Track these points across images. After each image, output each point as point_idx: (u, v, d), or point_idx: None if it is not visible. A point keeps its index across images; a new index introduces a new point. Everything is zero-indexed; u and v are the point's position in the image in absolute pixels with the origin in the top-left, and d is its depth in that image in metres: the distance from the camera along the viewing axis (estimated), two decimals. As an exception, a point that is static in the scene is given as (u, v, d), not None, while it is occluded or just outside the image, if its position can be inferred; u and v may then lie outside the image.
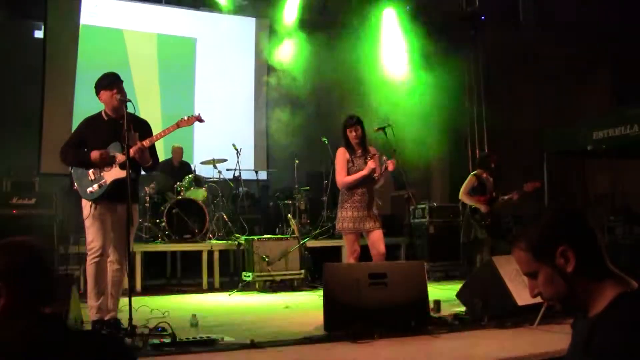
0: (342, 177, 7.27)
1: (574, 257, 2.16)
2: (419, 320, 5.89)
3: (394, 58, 15.02)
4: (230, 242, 10.78)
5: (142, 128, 6.18)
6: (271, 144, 14.40)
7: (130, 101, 5.89)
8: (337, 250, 11.27)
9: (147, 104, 12.24)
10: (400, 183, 12.89)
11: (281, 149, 14.23)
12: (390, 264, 6.95)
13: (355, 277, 5.95)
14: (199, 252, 10.45)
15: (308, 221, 11.82)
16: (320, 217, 12.00)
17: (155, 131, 6.29)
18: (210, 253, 10.42)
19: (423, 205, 12.16)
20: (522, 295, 6.20)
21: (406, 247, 12.07)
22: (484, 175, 10.03)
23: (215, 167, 11.76)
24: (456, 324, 6.14)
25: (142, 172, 6.62)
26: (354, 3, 14.55)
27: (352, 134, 7.28)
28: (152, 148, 6.17)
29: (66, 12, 12.92)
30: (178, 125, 6.22)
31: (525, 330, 5.90)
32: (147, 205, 10.65)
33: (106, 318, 5.94)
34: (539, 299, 5.74)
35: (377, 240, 7.09)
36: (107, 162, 5.95)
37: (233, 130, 13.53)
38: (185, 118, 6.28)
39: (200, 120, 6.35)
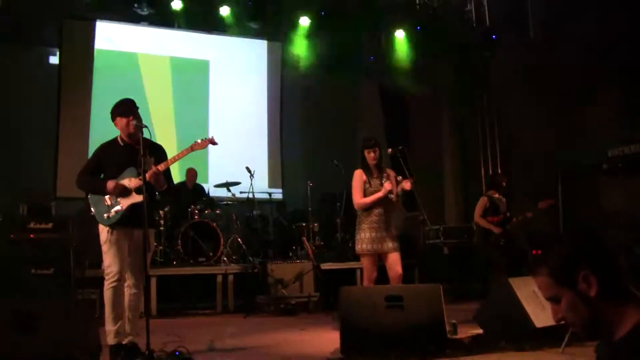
0: (358, 199, 7.31)
1: (596, 281, 2.16)
2: (436, 343, 5.86)
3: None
4: (244, 265, 10.78)
5: (157, 152, 6.22)
6: (285, 166, 14.44)
7: (146, 127, 5.93)
8: (352, 272, 11.24)
9: (161, 126, 12.34)
10: (413, 205, 12.92)
11: (295, 171, 14.29)
12: (407, 286, 6.94)
13: (372, 300, 5.95)
14: (214, 275, 10.45)
15: (322, 243, 11.80)
16: (334, 239, 12.00)
17: (170, 155, 6.32)
18: (225, 276, 10.42)
19: (437, 227, 12.13)
20: (539, 317, 6.17)
21: (420, 269, 12.02)
22: (496, 195, 10.03)
23: (229, 190, 11.79)
24: (474, 346, 6.11)
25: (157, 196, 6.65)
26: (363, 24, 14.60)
27: (370, 155, 7.34)
28: (167, 172, 6.20)
29: (81, 37, 13.04)
30: (192, 148, 6.24)
31: (545, 353, 5.86)
32: (161, 229, 10.68)
33: (124, 342, 5.95)
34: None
35: (394, 262, 7.12)
36: (122, 193, 5.98)
37: (246, 153, 13.58)
38: (199, 141, 6.29)
39: (214, 143, 6.35)
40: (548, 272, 2.27)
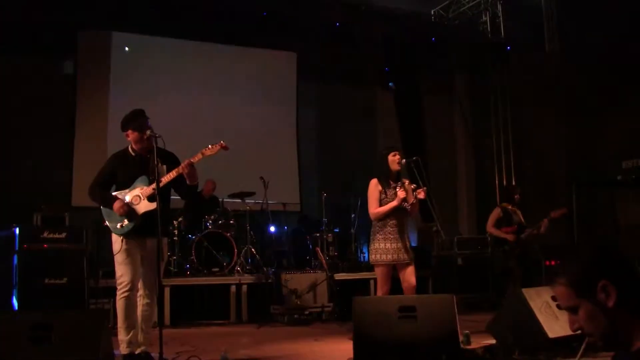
0: (374, 209, 7.28)
1: (615, 291, 2.15)
2: (449, 354, 5.82)
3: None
4: (258, 275, 10.78)
5: (169, 160, 6.20)
6: (300, 176, 14.43)
7: (160, 136, 5.93)
8: (365, 282, 11.23)
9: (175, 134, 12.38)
10: (427, 215, 12.91)
11: (309, 181, 14.30)
12: (420, 297, 6.90)
13: (385, 311, 5.92)
14: (227, 286, 10.45)
15: (336, 254, 11.79)
16: (349, 250, 12.00)
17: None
18: (239, 286, 10.43)
19: (451, 238, 12.11)
20: (553, 327, 6.13)
21: (433, 280, 11.98)
22: (509, 207, 9.99)
23: (243, 200, 11.79)
24: (487, 357, 6.08)
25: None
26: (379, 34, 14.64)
27: (395, 158, 7.31)
28: (182, 178, 6.16)
29: (97, 48, 13.14)
30: (202, 154, 6.14)
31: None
32: (175, 238, 10.70)
33: (137, 352, 5.96)
34: (570, 332, 5.66)
35: (409, 274, 7.11)
36: (128, 215, 5.98)
37: (261, 163, 13.60)
38: (210, 146, 6.25)
39: (225, 147, 6.24)
40: (567, 282, 2.27)
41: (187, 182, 6.08)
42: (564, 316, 6.27)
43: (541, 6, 14.38)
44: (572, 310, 2.28)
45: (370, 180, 7.45)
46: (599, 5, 12.76)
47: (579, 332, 2.32)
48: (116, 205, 5.95)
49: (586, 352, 5.40)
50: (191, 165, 5.94)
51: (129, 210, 5.97)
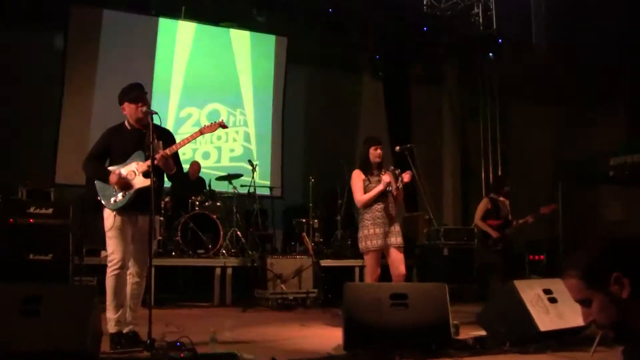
0: (359, 196, 7.32)
1: (629, 283, 2.13)
2: (440, 342, 5.82)
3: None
4: (243, 258, 10.73)
5: (166, 137, 6.14)
6: (286, 161, 14.39)
7: (156, 113, 5.85)
8: (351, 270, 11.22)
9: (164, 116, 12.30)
10: (412, 205, 12.92)
11: (296, 166, 14.26)
12: (412, 285, 6.93)
13: (377, 297, 5.89)
14: (212, 268, 10.40)
15: (321, 240, 11.77)
16: (334, 236, 11.98)
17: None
18: (224, 269, 10.38)
19: (437, 228, 12.12)
20: (544, 320, 6.12)
21: (418, 269, 11.99)
22: (499, 198, 10.00)
23: (230, 182, 11.74)
24: (478, 347, 6.06)
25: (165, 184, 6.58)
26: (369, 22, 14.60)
27: (376, 152, 7.38)
28: (176, 156, 6.11)
29: (87, 23, 12.99)
30: (201, 132, 6.13)
31: (549, 357, 5.80)
32: (161, 219, 10.62)
33: (125, 331, 5.89)
34: (562, 325, 5.66)
35: (398, 261, 7.11)
36: (124, 187, 5.91)
37: (249, 147, 13.59)
38: (208, 125, 6.22)
39: (224, 126, 6.23)
40: (579, 274, 2.25)
41: (165, 171, 6.05)
42: (555, 309, 6.29)
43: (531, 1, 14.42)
44: (585, 303, 2.26)
45: (353, 171, 7.52)
46: (589, 2, 12.79)
47: (592, 324, 2.31)
48: (112, 177, 5.87)
49: (600, 344, 5.40)
50: (165, 158, 5.87)
51: (125, 183, 5.90)
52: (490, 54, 14.85)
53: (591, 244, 2.32)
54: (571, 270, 2.28)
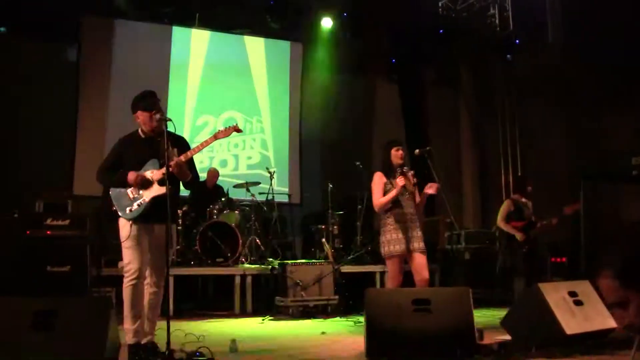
0: (377, 200, 7.20)
1: (669, 282, 2.02)
2: (464, 348, 5.69)
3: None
4: (263, 266, 10.65)
5: (180, 144, 6.06)
6: (304, 168, 14.31)
7: (170, 120, 5.78)
8: (371, 276, 11.11)
9: (179, 126, 12.28)
10: (430, 209, 12.80)
11: (315, 172, 14.18)
12: (435, 289, 6.80)
13: (399, 303, 5.79)
14: (232, 276, 10.32)
15: (341, 246, 11.67)
16: (354, 242, 11.87)
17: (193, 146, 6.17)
18: (243, 277, 10.29)
19: (458, 231, 12.00)
20: (570, 323, 6.00)
21: (440, 274, 11.86)
22: (522, 199, 9.89)
23: (248, 190, 11.66)
24: (503, 352, 5.93)
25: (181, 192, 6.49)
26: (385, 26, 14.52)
27: (398, 153, 7.26)
28: (191, 163, 6.03)
29: (100, 34, 12.99)
30: (216, 137, 6.03)
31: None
32: (179, 228, 10.55)
33: (143, 342, 5.80)
34: (588, 328, 5.52)
35: (421, 266, 6.98)
36: (143, 185, 5.82)
37: (266, 154, 13.55)
38: (223, 129, 6.12)
39: (238, 130, 6.13)
40: (614, 275, 2.12)
41: (179, 179, 5.96)
42: (581, 312, 6.16)
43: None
44: (620, 305, 2.14)
45: (374, 174, 7.40)
46: (605, 1, 12.66)
47: (629, 328, 2.19)
48: (131, 176, 5.78)
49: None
50: (179, 165, 5.79)
51: (144, 180, 5.82)
52: (508, 55, 14.69)
53: (625, 243, 2.19)
54: (606, 271, 2.15)
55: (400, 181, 7.06)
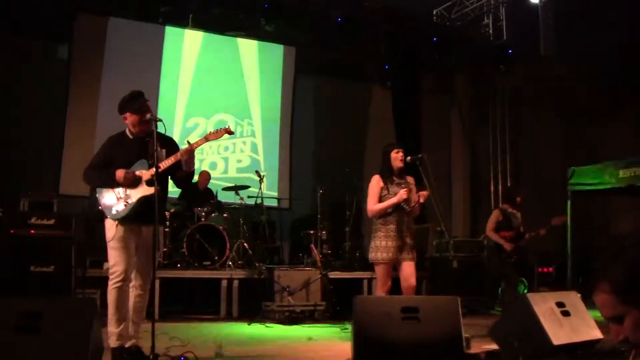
0: (372, 205, 7.13)
1: (667, 297, 1.96)
2: (453, 357, 5.64)
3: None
4: (250, 270, 10.57)
5: (169, 145, 5.98)
6: (294, 172, 14.24)
7: (160, 120, 5.71)
8: (359, 282, 11.06)
9: (170, 127, 12.19)
10: (420, 217, 12.75)
11: (304, 177, 14.12)
12: (424, 298, 6.76)
13: (387, 311, 5.72)
14: (219, 280, 10.24)
15: (330, 251, 11.60)
16: (342, 247, 11.81)
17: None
18: (230, 281, 10.23)
19: (447, 240, 11.96)
20: (557, 334, 5.95)
21: (428, 282, 11.82)
22: (510, 209, 9.87)
23: (237, 193, 11.59)
24: (490, 362, 5.90)
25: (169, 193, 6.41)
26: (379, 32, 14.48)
27: (397, 155, 7.17)
28: (179, 164, 5.95)
29: (92, 33, 12.86)
30: (207, 138, 5.94)
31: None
32: (166, 230, 10.46)
33: (127, 345, 5.70)
34: (575, 339, 5.47)
35: (409, 274, 6.94)
36: (131, 182, 5.74)
37: (257, 157, 13.48)
38: (214, 131, 6.05)
39: (230, 132, 6.07)
40: (611, 289, 2.05)
41: (184, 168, 5.85)
42: (568, 323, 6.12)
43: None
44: (617, 319, 2.07)
45: (372, 177, 7.31)
46: (597, 10, 12.68)
47: (624, 343, 2.12)
48: (119, 173, 5.69)
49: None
50: (190, 152, 5.72)
51: (133, 178, 5.73)
52: (501, 65, 14.69)
53: (622, 251, 2.12)
54: (602, 284, 2.08)
55: (403, 194, 6.98)
